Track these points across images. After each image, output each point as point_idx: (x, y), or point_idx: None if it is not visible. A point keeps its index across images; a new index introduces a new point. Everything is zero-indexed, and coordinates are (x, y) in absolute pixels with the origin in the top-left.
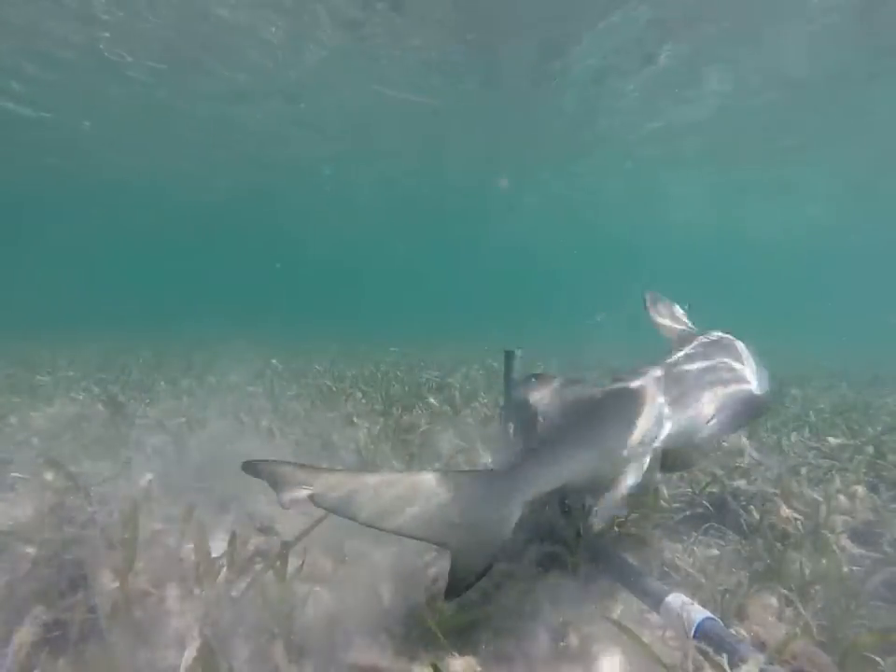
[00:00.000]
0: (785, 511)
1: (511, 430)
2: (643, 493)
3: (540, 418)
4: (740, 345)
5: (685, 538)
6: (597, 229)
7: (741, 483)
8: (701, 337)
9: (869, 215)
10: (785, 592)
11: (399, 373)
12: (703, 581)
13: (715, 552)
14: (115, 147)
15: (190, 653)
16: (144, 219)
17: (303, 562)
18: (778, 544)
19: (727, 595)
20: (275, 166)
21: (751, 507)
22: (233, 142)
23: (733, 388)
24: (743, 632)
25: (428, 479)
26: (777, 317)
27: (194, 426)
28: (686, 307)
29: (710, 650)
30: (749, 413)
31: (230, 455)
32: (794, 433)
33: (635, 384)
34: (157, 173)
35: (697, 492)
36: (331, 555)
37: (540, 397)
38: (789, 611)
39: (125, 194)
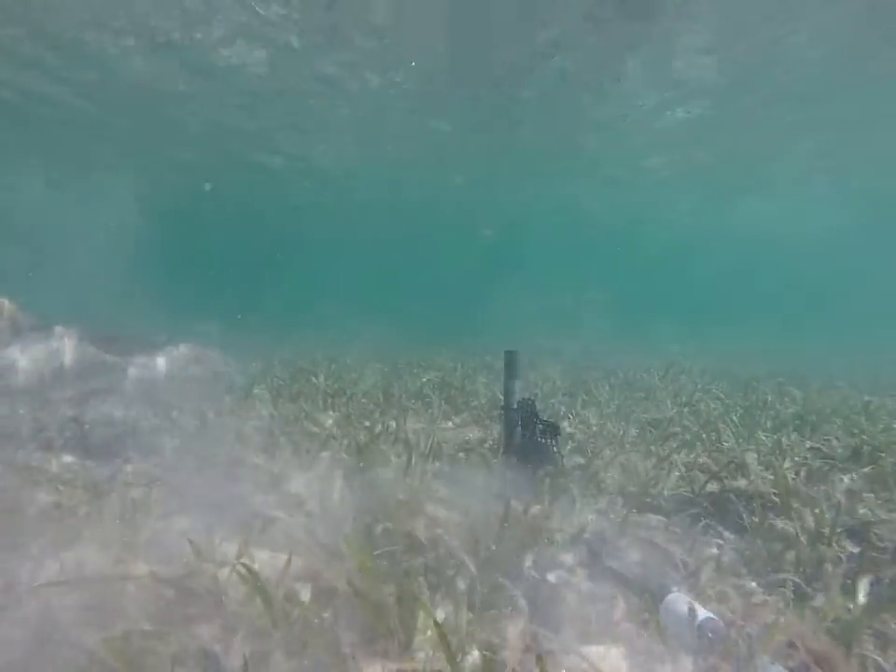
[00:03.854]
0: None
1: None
2: None
3: None
4: None
5: (685, 537)
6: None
7: (741, 482)
8: None
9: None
10: (786, 589)
11: None
12: (703, 579)
13: (714, 551)
14: None
15: None
16: None
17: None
18: (778, 544)
19: (728, 594)
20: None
21: (751, 506)
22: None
23: None
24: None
25: None
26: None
27: None
28: None
29: (712, 648)
30: None
31: None
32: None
33: None
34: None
35: (697, 491)
36: None
37: None
38: (789, 610)
39: None
